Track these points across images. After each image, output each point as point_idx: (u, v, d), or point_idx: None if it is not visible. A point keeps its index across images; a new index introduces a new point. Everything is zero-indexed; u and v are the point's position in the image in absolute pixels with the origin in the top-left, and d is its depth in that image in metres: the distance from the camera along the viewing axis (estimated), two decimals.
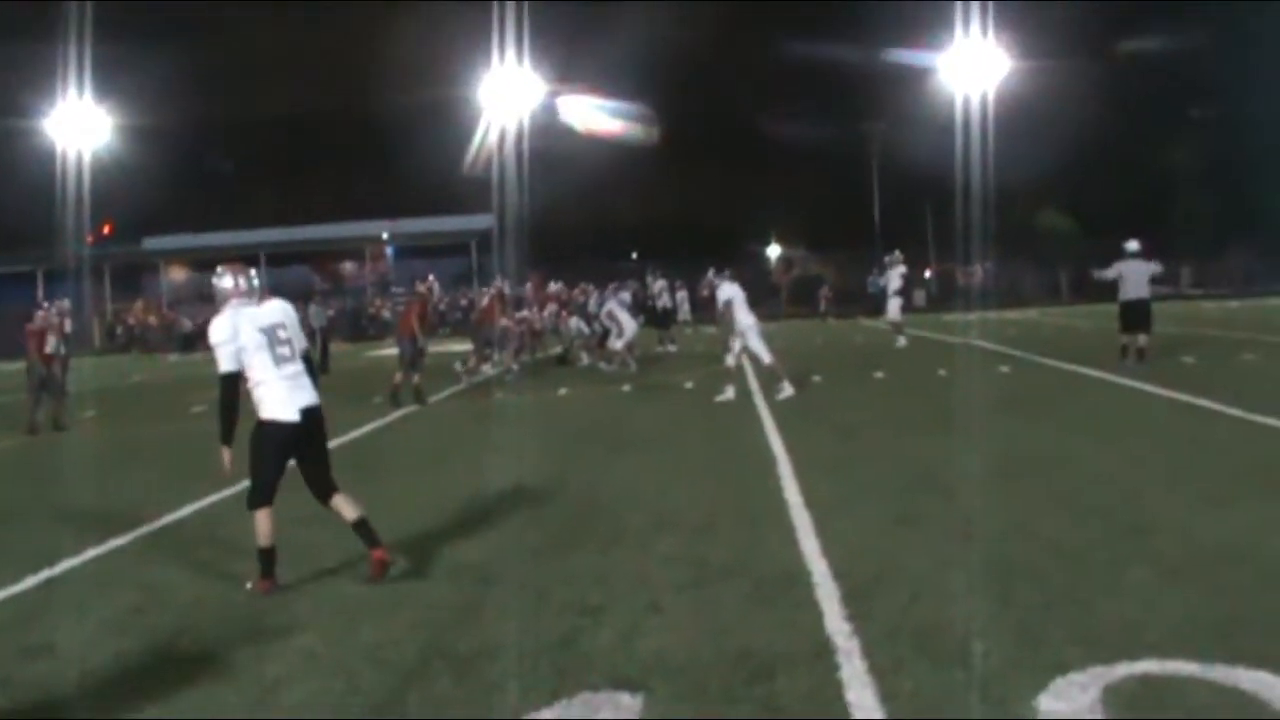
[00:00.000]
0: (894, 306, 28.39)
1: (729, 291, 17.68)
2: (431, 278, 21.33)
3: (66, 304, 20.94)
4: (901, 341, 27.57)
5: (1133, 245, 20.30)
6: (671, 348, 31.20)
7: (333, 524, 8.32)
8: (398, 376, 20.02)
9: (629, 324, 25.00)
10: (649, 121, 66.89)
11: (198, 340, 51.65)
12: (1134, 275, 20.11)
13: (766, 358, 17.82)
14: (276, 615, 6.92)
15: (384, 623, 6.63)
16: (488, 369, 25.41)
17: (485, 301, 26.74)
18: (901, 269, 28.29)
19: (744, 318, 17.69)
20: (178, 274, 74.12)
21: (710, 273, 19.28)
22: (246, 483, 7.62)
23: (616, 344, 24.97)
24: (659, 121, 68.16)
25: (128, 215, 68.34)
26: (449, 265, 69.41)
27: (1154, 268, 20.36)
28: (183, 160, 71.25)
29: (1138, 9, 66.76)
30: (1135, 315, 20.17)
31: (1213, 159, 71.85)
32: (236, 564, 8.07)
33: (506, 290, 26.95)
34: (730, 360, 18.02)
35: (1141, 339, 20.07)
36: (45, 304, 20.42)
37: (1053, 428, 13.39)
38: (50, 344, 19.00)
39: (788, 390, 17.33)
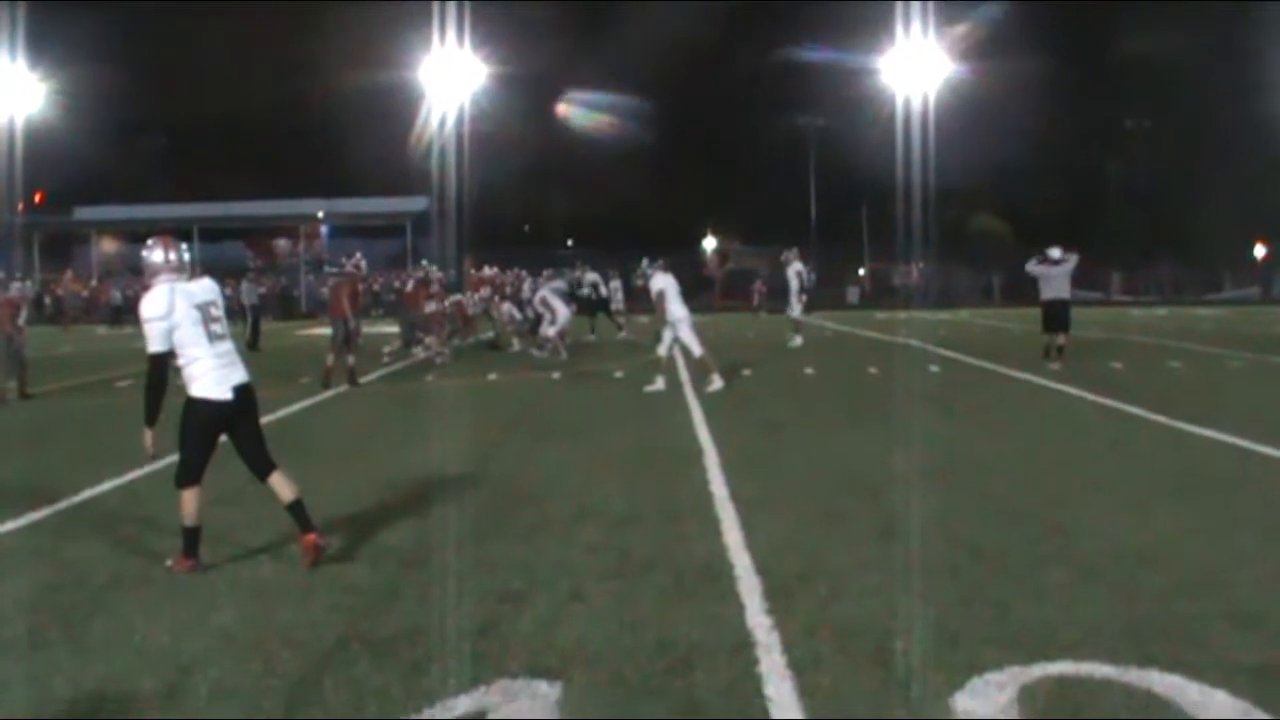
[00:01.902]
0: (795, 305, 28.16)
1: (661, 282, 17.66)
2: (359, 255, 20.83)
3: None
4: (797, 341, 27.32)
5: (1055, 253, 21.12)
6: (591, 337, 31.10)
7: (253, 504, 8.27)
8: (330, 358, 19.79)
9: (562, 311, 24.96)
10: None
11: (125, 313, 51.15)
12: (1055, 277, 20.92)
13: (697, 350, 17.83)
14: (195, 595, 6.84)
15: (303, 605, 6.58)
16: (418, 351, 25.30)
17: (410, 286, 26.63)
18: (797, 266, 27.96)
19: (676, 309, 17.69)
20: (109, 245, 73.29)
21: (644, 263, 19.22)
22: (171, 460, 7.54)
23: (549, 331, 24.92)
24: (602, 113, 68.31)
25: (60, 184, 67.55)
26: (384, 246, 69.15)
27: (1072, 263, 21.12)
28: (118, 130, 70.41)
29: (1080, 18, 67.45)
30: (1056, 315, 21.01)
31: (1145, 170, 72.79)
32: (157, 542, 7.99)
33: (434, 275, 26.82)
34: (661, 351, 18.00)
35: (1061, 338, 20.92)
36: (19, 276, 20.21)
37: (978, 429, 13.52)
38: (23, 315, 18.83)
39: (717, 383, 17.36)
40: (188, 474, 7.34)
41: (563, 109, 70.45)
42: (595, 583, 6.90)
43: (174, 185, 70.20)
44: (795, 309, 28.03)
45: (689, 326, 17.85)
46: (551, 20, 64.05)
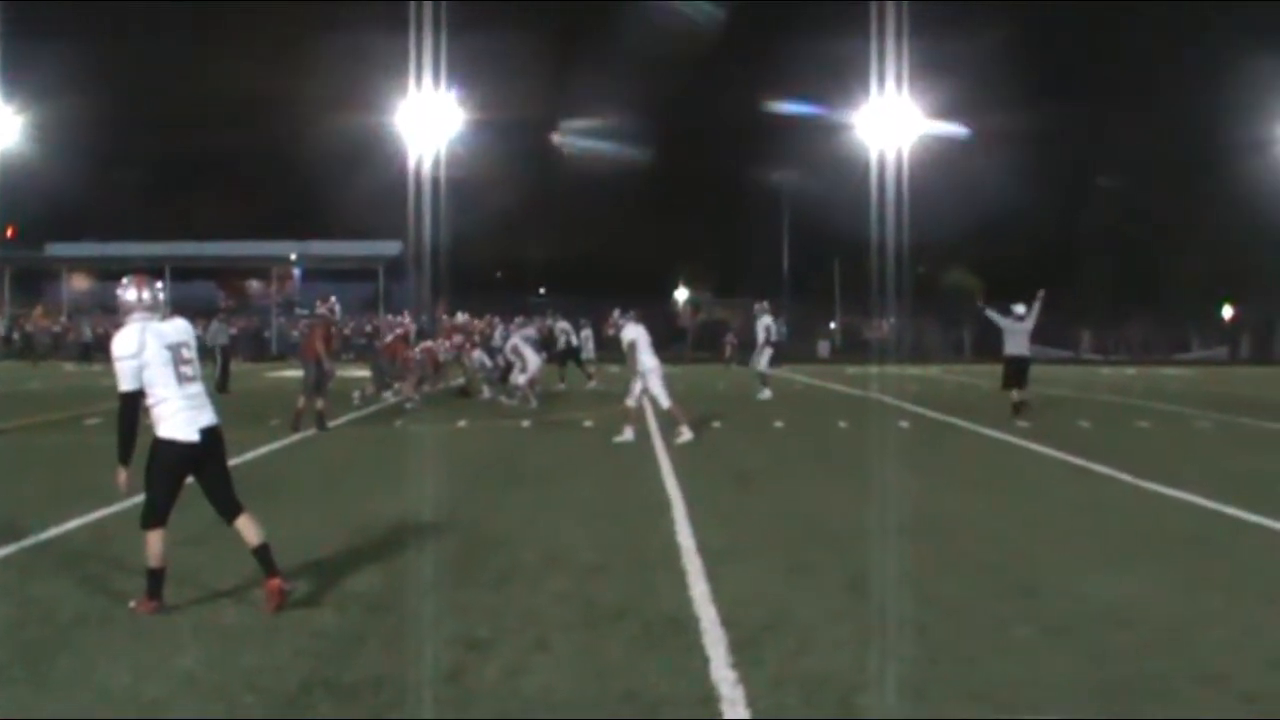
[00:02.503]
0: (763, 358, 28.02)
1: (633, 333, 17.73)
2: (333, 299, 20.67)
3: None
4: (765, 394, 27.27)
5: (1019, 309, 21.42)
6: (561, 385, 31.08)
7: (218, 546, 8.22)
8: (300, 401, 19.68)
9: (533, 359, 24.95)
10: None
11: (95, 351, 50.90)
12: (1018, 333, 21.28)
13: (665, 401, 17.86)
14: (158, 636, 6.79)
15: (266, 649, 6.54)
16: (388, 396, 25.26)
17: (389, 337, 26.61)
18: (766, 320, 28.00)
19: (647, 359, 17.74)
20: (80, 282, 72.96)
21: (615, 313, 19.26)
22: (138, 499, 7.50)
23: (520, 379, 24.91)
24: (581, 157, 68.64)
25: (32, 220, 67.32)
26: (357, 290, 69.06)
27: (1032, 320, 21.39)
28: (92, 166, 70.24)
29: (1049, 78, 68.08)
30: (1017, 371, 21.40)
31: (1117, 229, 73.39)
32: (122, 581, 7.93)
33: (412, 330, 26.85)
34: (630, 401, 18.01)
35: (1016, 394, 21.24)
36: None
37: (947, 485, 13.52)
38: None
39: (686, 435, 17.38)
40: (153, 515, 7.30)
41: (540, 152, 70.69)
42: (562, 632, 6.87)
43: (147, 223, 69.91)
44: (761, 362, 27.99)
45: (659, 377, 17.87)
46: (530, 67, 64.28)
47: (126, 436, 7.28)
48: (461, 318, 30.85)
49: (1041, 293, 21.07)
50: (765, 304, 28.82)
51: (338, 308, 21.02)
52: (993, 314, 21.62)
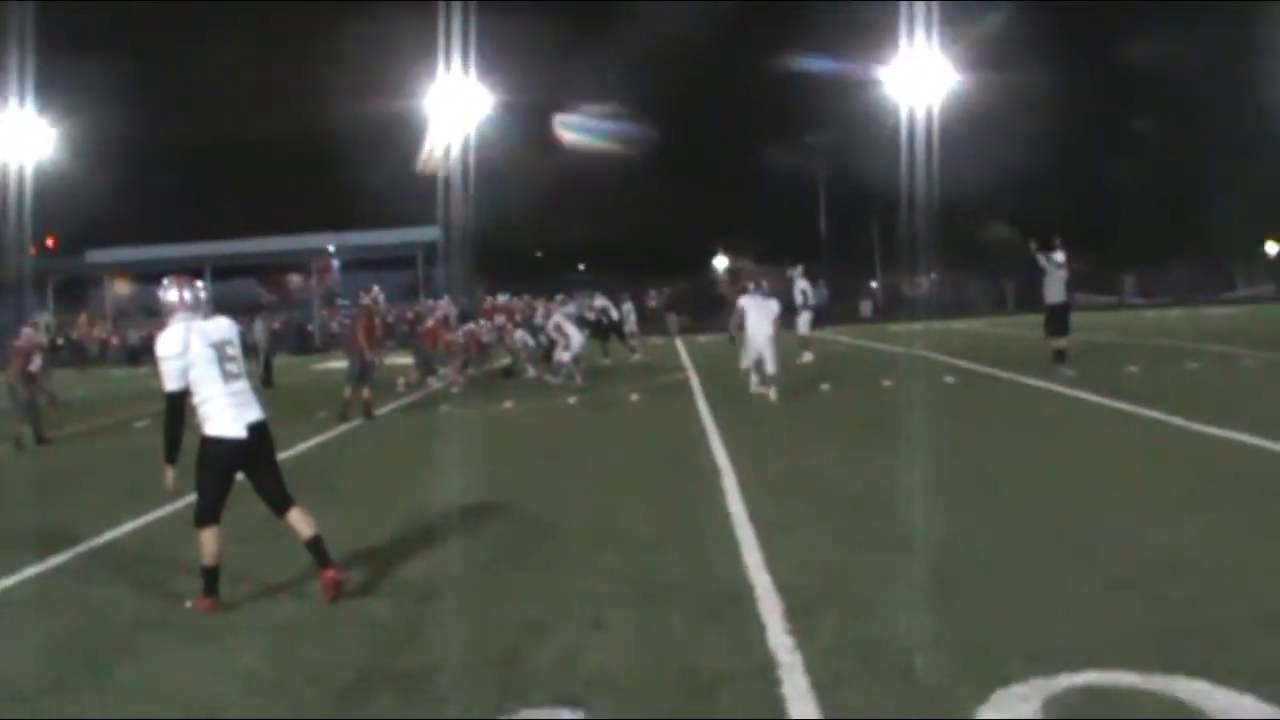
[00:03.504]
0: (802, 321, 28.18)
1: (743, 302, 18.70)
2: (376, 289, 20.78)
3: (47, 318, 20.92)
4: (807, 357, 26.92)
5: (1059, 256, 21.23)
6: (606, 360, 31.19)
7: (273, 542, 8.26)
8: (347, 391, 19.89)
9: (576, 336, 24.98)
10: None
11: (143, 354, 51.28)
12: (1057, 280, 21.14)
13: (771, 366, 18.40)
14: (217, 635, 6.85)
15: (325, 642, 6.58)
16: (433, 382, 25.36)
17: (430, 322, 26.66)
18: (802, 284, 28.18)
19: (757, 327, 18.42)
20: (122, 287, 73.44)
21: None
22: (189, 500, 7.55)
23: (564, 356, 24.94)
24: (608, 136, 68.49)
25: (71, 228, 67.79)
26: (396, 278, 69.09)
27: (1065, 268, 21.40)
28: (127, 173, 70.59)
29: (1085, 21, 67.41)
30: (1058, 317, 21.30)
31: (1156, 172, 72.67)
32: (177, 582, 7.99)
33: (452, 312, 26.93)
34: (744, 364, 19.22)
35: (1061, 341, 21.16)
36: (33, 320, 20.27)
37: (997, 439, 13.46)
38: (35, 362, 18.87)
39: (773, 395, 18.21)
40: (206, 513, 7.35)
41: (568, 134, 70.47)
42: (616, 609, 6.88)
43: (185, 225, 70.22)
44: (801, 325, 28.08)
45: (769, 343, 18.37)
46: (553, 46, 64.16)
47: (173, 436, 7.34)
48: (502, 299, 30.91)
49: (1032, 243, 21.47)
50: (800, 268, 28.78)
51: (381, 297, 21.13)
52: (1042, 259, 21.41)
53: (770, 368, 18.42)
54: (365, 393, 19.72)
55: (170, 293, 7.51)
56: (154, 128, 69.04)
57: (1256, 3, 59.12)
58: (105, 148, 61.44)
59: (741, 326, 18.69)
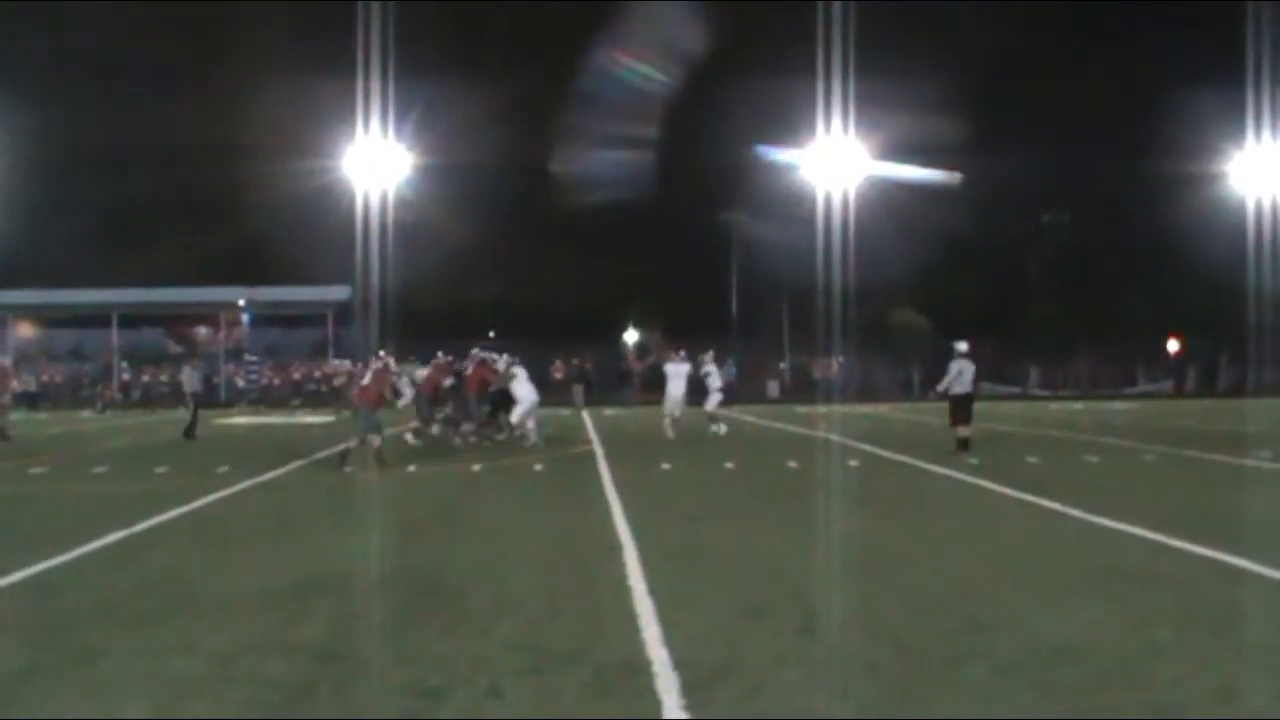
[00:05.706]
0: (711, 401, 29.31)
1: (669, 367, 21.27)
2: (383, 352, 22.66)
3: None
4: (721, 429, 28.52)
5: (962, 346, 22.12)
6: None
7: (167, 595, 8.14)
8: (353, 441, 20.91)
9: (527, 397, 25.13)
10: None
11: (41, 399, 50.50)
12: (964, 372, 21.98)
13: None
14: (105, 690, 6.72)
15: (216, 699, 6.47)
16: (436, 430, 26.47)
17: (470, 369, 26.83)
18: (709, 368, 29.29)
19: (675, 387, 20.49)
20: (26, 330, 72.26)
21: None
22: (81, 549, 7.43)
23: (515, 417, 25.21)
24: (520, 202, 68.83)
25: None
26: (305, 335, 68.78)
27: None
28: (35, 213, 69.66)
29: (996, 120, 68.76)
30: (962, 407, 22.00)
31: (1062, 264, 74.13)
32: (69, 635, 7.84)
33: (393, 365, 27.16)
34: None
35: (965, 430, 21.81)
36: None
37: (898, 523, 13.54)
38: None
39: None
40: None
41: (488, 196, 70.66)
42: (513, 678, 6.83)
43: (92, 270, 69.32)
44: (711, 404, 29.25)
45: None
46: (478, 110, 64.35)
47: None
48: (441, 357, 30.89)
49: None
50: (710, 354, 29.59)
51: (391, 361, 22.53)
52: (948, 379, 22.09)
53: (677, 412, 22.48)
54: (377, 441, 20.72)
55: None
56: (67, 169, 68.31)
57: (1165, 103, 60.72)
58: (12, 185, 60.77)
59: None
